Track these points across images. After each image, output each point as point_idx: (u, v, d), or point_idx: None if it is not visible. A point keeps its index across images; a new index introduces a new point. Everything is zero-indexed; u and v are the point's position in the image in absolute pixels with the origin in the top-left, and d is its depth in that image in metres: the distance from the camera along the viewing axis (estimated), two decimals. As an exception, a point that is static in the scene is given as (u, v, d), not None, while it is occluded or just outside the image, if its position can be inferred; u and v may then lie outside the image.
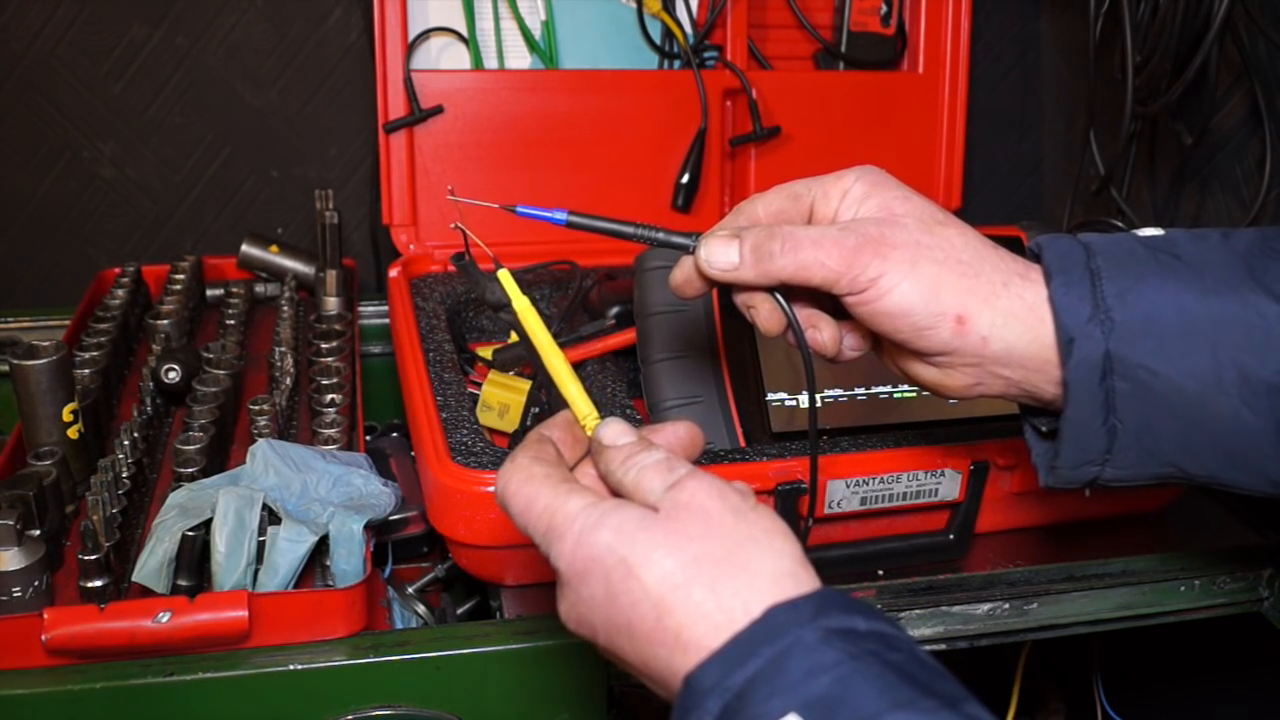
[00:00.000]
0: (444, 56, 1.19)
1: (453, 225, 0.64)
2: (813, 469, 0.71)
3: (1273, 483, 0.56)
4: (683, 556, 0.47)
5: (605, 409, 0.89)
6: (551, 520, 0.50)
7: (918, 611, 0.79)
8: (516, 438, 0.92)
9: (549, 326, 0.61)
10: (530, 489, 0.52)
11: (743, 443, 0.84)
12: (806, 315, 0.61)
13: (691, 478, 0.50)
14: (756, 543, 0.48)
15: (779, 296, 0.59)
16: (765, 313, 0.60)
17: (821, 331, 0.61)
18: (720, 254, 0.59)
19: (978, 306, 0.56)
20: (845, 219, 0.59)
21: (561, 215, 0.61)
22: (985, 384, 0.58)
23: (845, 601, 0.46)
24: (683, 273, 0.61)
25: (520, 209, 0.61)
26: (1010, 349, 0.56)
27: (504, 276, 0.59)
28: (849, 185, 0.60)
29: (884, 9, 1.26)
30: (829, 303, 0.61)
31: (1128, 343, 0.54)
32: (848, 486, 0.79)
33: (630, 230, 0.61)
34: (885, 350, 0.62)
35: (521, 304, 0.59)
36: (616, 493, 0.52)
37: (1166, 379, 0.54)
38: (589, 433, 0.55)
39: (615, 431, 0.54)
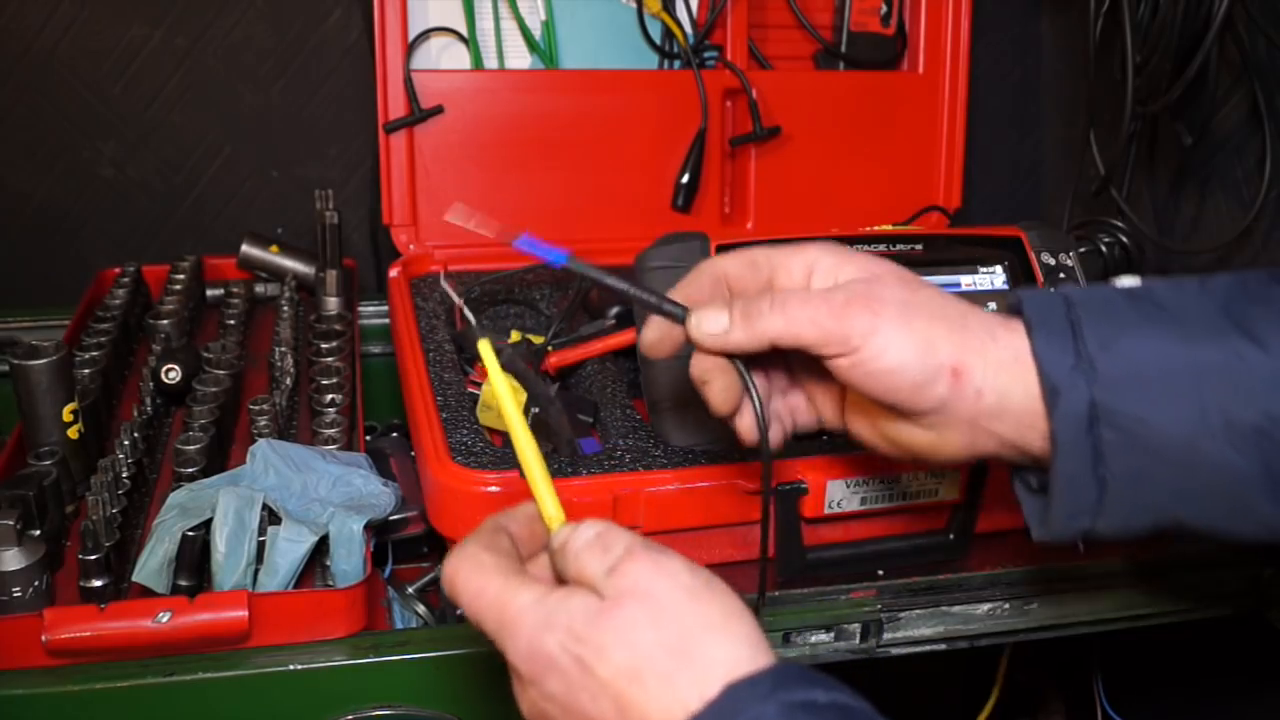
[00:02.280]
0: (444, 56, 1.19)
1: (447, 216, 0.63)
2: (764, 532, 0.66)
3: (1266, 527, 0.56)
4: (636, 649, 0.47)
5: (605, 409, 0.89)
6: (502, 615, 0.50)
7: (918, 611, 0.79)
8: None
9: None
10: (480, 579, 0.51)
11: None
12: (775, 385, 0.61)
13: (630, 559, 0.49)
14: (711, 629, 0.47)
15: (739, 364, 0.58)
16: (719, 388, 0.60)
17: (788, 398, 0.62)
18: (711, 320, 0.58)
19: (971, 358, 0.55)
20: (821, 288, 0.58)
21: (561, 257, 0.59)
22: (979, 443, 0.58)
23: (804, 675, 0.46)
24: (655, 332, 0.61)
25: (521, 241, 0.59)
26: (1003, 401, 0.56)
27: (484, 348, 0.57)
28: (813, 258, 0.59)
29: (884, 9, 1.26)
30: (787, 378, 0.61)
31: (1113, 392, 0.54)
32: (848, 486, 0.79)
33: (624, 288, 0.60)
34: (870, 420, 0.61)
35: (499, 385, 0.57)
36: (562, 578, 0.52)
37: (1153, 426, 0.54)
38: (551, 532, 0.54)
39: (572, 534, 0.53)
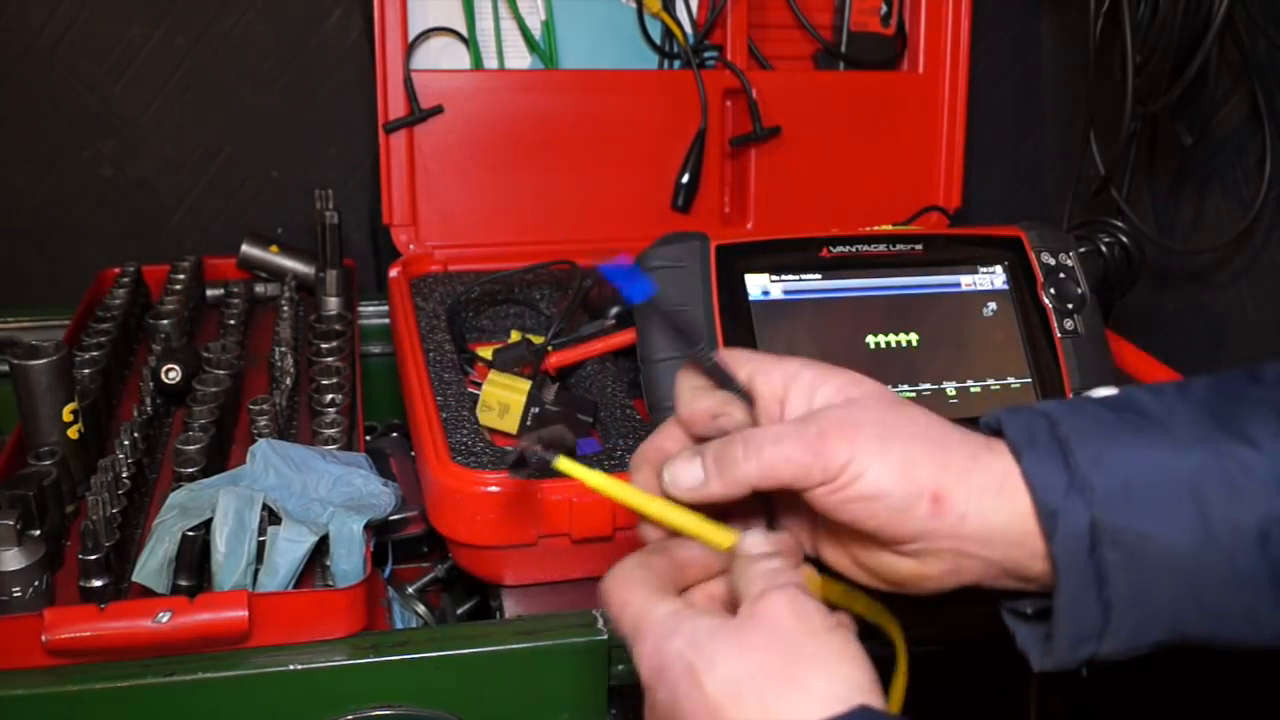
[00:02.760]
0: (444, 56, 1.19)
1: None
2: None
3: (1274, 635, 0.54)
4: (744, 667, 0.47)
5: (605, 409, 0.89)
6: (637, 624, 0.52)
7: (917, 611, 0.79)
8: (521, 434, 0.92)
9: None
10: (626, 592, 0.53)
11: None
12: (740, 513, 0.60)
13: (781, 591, 0.50)
14: (819, 662, 0.47)
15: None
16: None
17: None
18: (684, 474, 0.57)
19: (953, 482, 0.53)
20: (797, 410, 0.57)
21: (643, 294, 0.58)
22: (964, 569, 0.56)
23: (881, 718, 0.46)
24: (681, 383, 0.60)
25: (607, 269, 0.58)
26: (989, 525, 0.54)
27: (563, 465, 0.57)
28: (793, 371, 0.58)
29: (884, 9, 1.26)
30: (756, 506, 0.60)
31: (1112, 509, 0.52)
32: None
33: (707, 359, 0.59)
34: (846, 550, 0.60)
35: (596, 480, 0.57)
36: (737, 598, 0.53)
37: (1157, 541, 0.52)
38: (729, 548, 0.55)
39: (753, 541, 0.54)
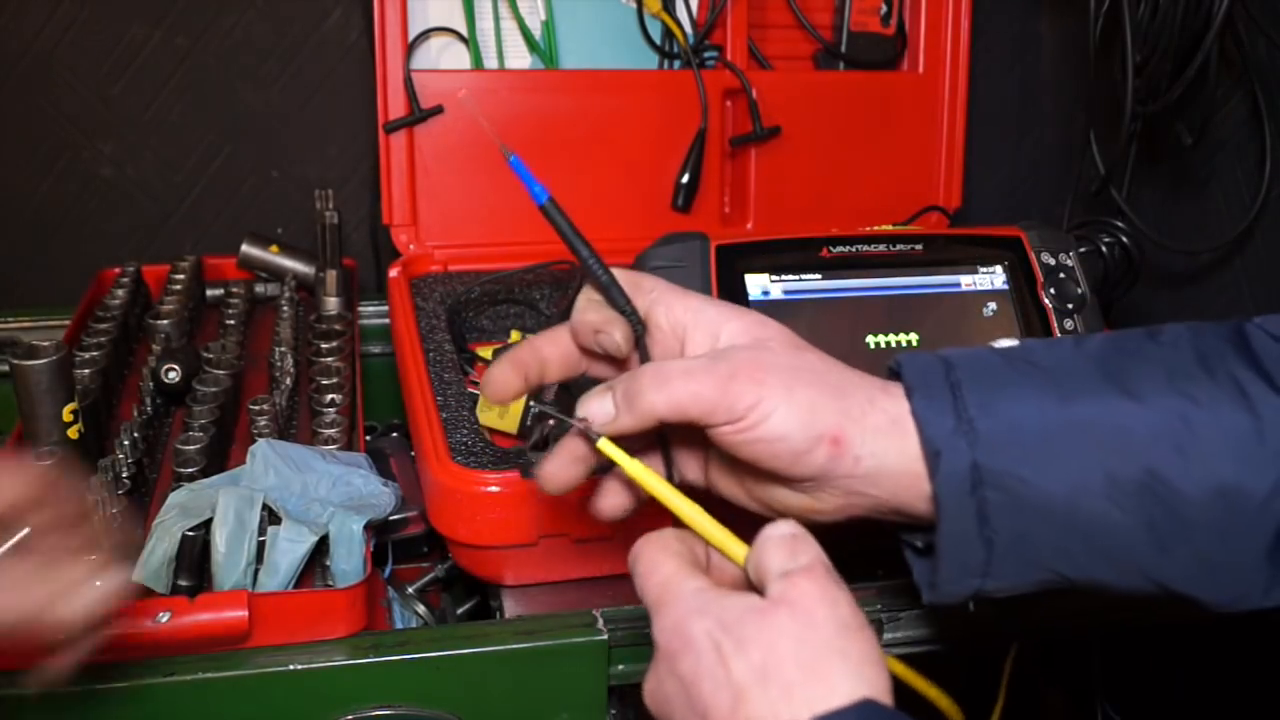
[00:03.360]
0: (444, 56, 1.19)
1: (461, 96, 0.63)
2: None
3: (1153, 581, 0.56)
4: (773, 654, 0.47)
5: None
6: (663, 592, 0.51)
7: (918, 611, 0.79)
8: (521, 434, 0.92)
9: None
10: (660, 558, 0.53)
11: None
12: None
13: (809, 576, 0.49)
14: (846, 659, 0.47)
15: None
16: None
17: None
18: (596, 408, 0.58)
19: (850, 427, 0.55)
20: (700, 346, 0.59)
21: (544, 196, 0.61)
22: (853, 505, 0.57)
23: (889, 714, 0.46)
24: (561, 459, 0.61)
25: (514, 160, 0.61)
26: (881, 466, 0.56)
27: (605, 446, 0.57)
28: (697, 305, 0.59)
29: (884, 9, 1.26)
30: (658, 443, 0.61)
31: (994, 452, 0.54)
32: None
33: (584, 252, 0.61)
34: (739, 482, 0.61)
35: (635, 469, 0.57)
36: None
37: (1036, 486, 0.54)
38: (743, 564, 0.54)
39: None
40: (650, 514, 0.60)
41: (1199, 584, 0.56)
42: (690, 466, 0.63)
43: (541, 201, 0.60)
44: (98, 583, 0.54)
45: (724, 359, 0.56)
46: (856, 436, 0.55)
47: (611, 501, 0.62)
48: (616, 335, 0.59)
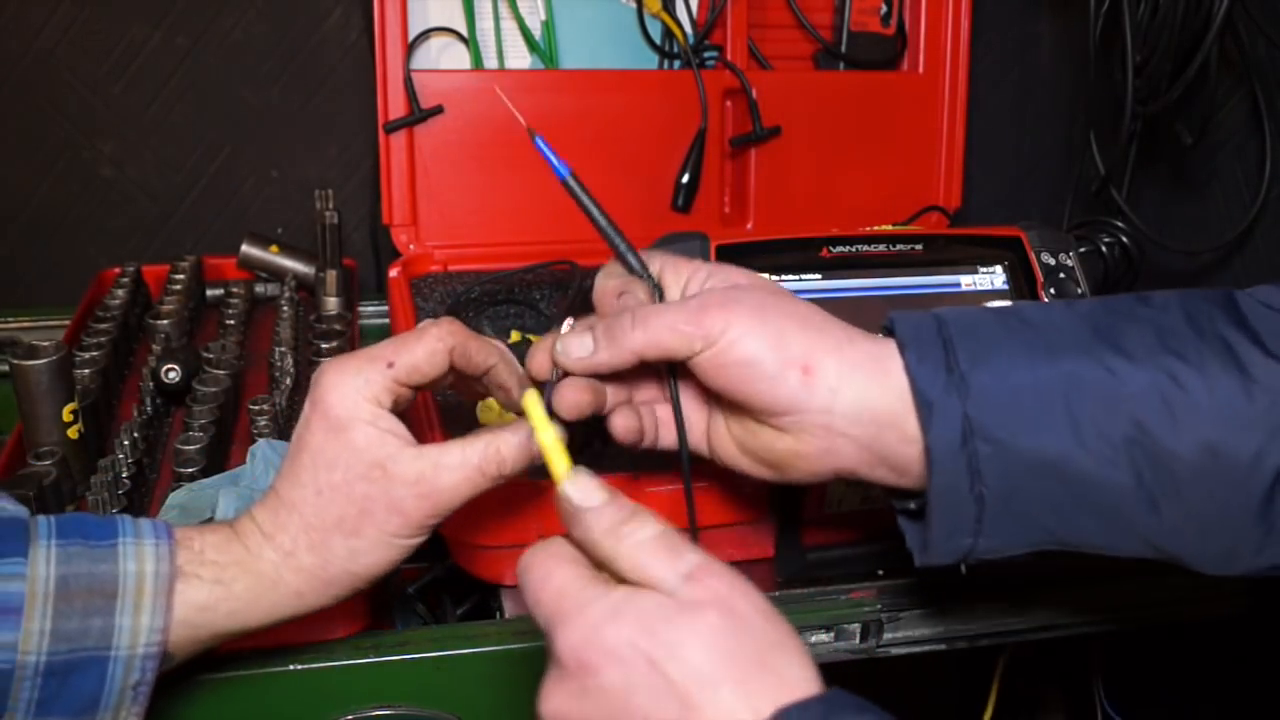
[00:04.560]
0: (444, 56, 1.19)
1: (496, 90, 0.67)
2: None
3: (1144, 541, 0.56)
4: (713, 652, 0.46)
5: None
6: (560, 603, 0.49)
7: (918, 611, 0.79)
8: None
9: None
10: (551, 565, 0.51)
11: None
12: (642, 397, 0.64)
13: (709, 573, 0.48)
14: (785, 649, 0.47)
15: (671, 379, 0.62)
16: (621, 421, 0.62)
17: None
18: (575, 345, 0.60)
19: (822, 356, 0.56)
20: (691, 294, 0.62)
21: (565, 170, 0.64)
22: (838, 449, 0.57)
23: (855, 703, 0.46)
24: (541, 356, 0.63)
25: (539, 139, 0.64)
26: (859, 402, 0.56)
27: (529, 401, 0.58)
28: (696, 265, 0.63)
29: (884, 9, 1.26)
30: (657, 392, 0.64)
31: (985, 407, 0.54)
32: (848, 485, 0.79)
33: (608, 231, 0.65)
34: (732, 436, 0.62)
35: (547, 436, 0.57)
36: (603, 566, 0.51)
37: (1027, 440, 0.54)
38: (558, 486, 0.53)
39: (586, 488, 0.52)
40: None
41: (1189, 544, 0.56)
42: (693, 436, 0.64)
43: (563, 176, 0.64)
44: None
45: (698, 297, 0.59)
46: (830, 367, 0.56)
47: (623, 423, 0.63)
48: (640, 294, 0.62)
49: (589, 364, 0.59)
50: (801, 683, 0.46)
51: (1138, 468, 0.54)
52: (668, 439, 0.65)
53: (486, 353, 0.63)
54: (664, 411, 0.65)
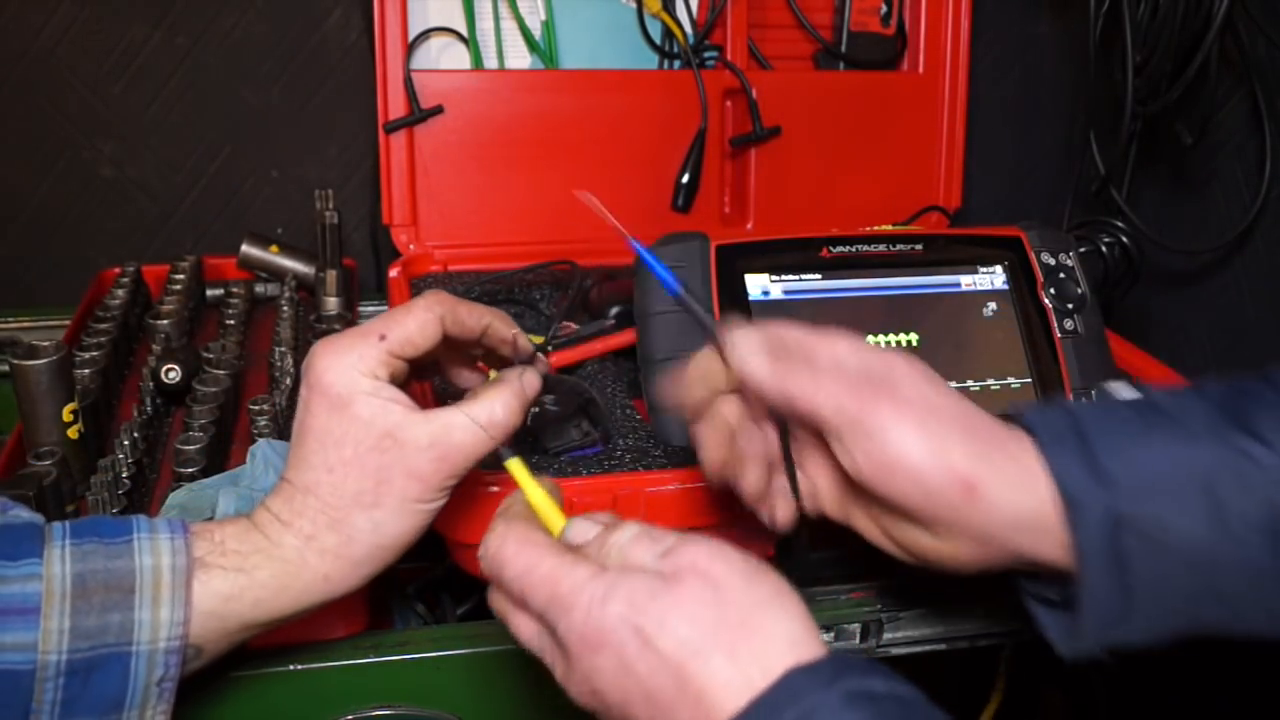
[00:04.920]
0: (444, 56, 1.19)
1: (581, 196, 0.69)
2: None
3: None
4: (697, 623, 0.47)
5: (605, 409, 0.89)
6: (555, 590, 0.50)
7: (917, 611, 0.79)
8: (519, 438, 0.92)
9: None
10: (531, 553, 0.52)
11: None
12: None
13: (683, 543, 0.50)
14: (769, 607, 0.48)
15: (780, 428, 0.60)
16: (753, 479, 0.61)
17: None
18: (749, 351, 0.58)
19: (985, 472, 0.55)
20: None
21: (675, 286, 0.61)
22: (993, 555, 0.57)
23: (861, 665, 0.46)
24: (699, 369, 0.61)
25: (640, 250, 0.63)
26: (1016, 515, 0.55)
27: (514, 466, 0.60)
28: (840, 346, 0.59)
29: (884, 9, 1.26)
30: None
31: (1132, 499, 0.54)
32: (848, 486, 0.79)
33: (706, 320, 0.62)
34: (876, 520, 0.61)
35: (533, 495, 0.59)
36: None
37: (1173, 530, 0.54)
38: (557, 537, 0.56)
39: (581, 530, 0.55)
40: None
41: None
42: (830, 497, 0.63)
43: (676, 293, 0.61)
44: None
45: (866, 375, 0.56)
46: (991, 482, 0.55)
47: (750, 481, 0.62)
48: (750, 482, 0.62)
49: (750, 378, 0.58)
50: (792, 639, 0.47)
51: (1278, 550, 0.54)
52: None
53: (478, 314, 0.64)
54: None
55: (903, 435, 0.54)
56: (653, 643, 0.47)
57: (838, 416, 0.55)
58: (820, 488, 0.63)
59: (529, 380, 0.63)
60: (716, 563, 0.49)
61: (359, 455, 0.59)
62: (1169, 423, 0.56)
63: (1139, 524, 0.54)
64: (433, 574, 0.94)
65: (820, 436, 0.58)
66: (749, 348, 0.58)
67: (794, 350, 0.59)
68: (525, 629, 0.53)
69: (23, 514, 0.60)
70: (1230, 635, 0.57)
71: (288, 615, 0.61)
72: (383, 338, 0.60)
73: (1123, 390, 0.61)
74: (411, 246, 1.14)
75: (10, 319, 1.17)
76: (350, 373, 0.59)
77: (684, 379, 0.62)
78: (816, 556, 0.81)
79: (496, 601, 0.55)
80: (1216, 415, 0.56)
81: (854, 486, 0.60)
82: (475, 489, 0.76)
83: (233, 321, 1.09)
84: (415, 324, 0.61)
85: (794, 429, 0.62)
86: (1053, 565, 0.57)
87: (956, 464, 0.54)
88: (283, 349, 0.98)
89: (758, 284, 0.87)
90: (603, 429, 0.83)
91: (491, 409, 0.61)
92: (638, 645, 0.47)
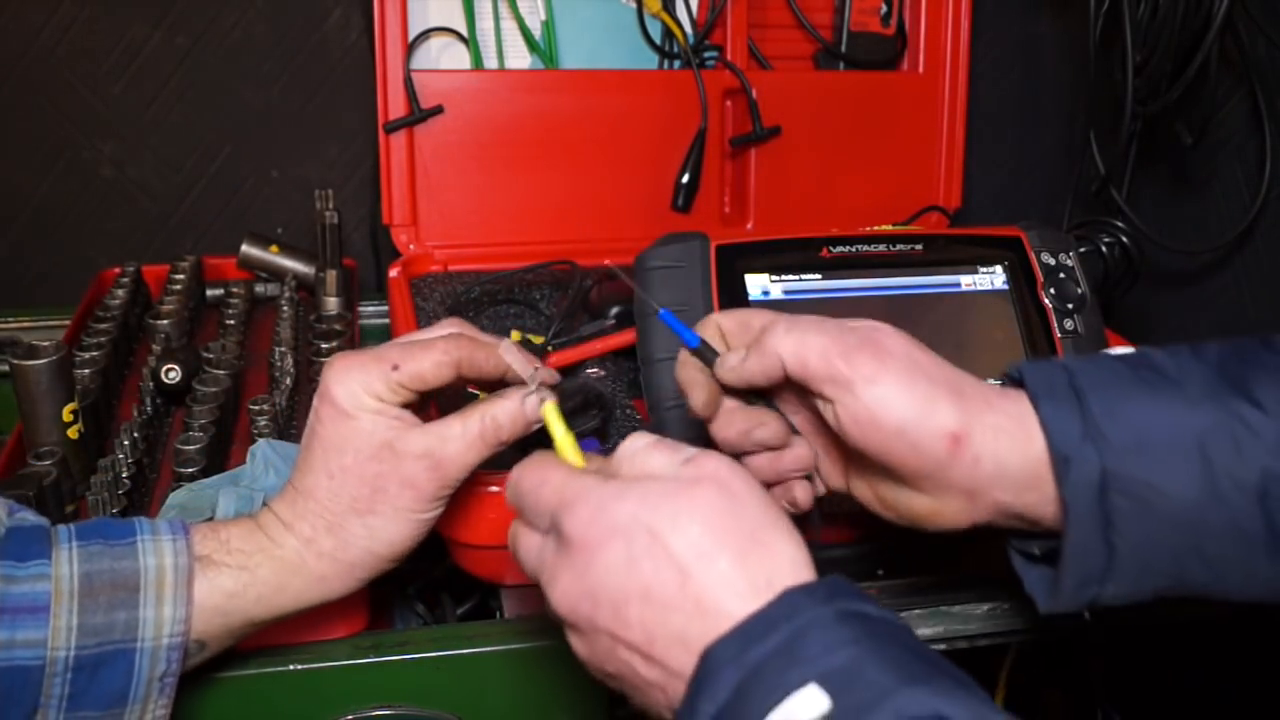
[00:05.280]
0: (444, 56, 1.19)
1: (611, 269, 0.70)
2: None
3: (1270, 588, 0.56)
4: (710, 526, 0.48)
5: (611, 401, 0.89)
6: (563, 495, 0.51)
7: (918, 611, 0.79)
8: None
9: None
10: (546, 471, 0.53)
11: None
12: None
13: (705, 455, 0.51)
14: (777, 527, 0.49)
15: (767, 402, 0.62)
16: (700, 394, 0.63)
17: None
18: (731, 355, 0.61)
19: (971, 425, 0.55)
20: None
21: (694, 340, 0.63)
22: (979, 510, 0.58)
23: (855, 591, 0.47)
24: (687, 373, 0.63)
25: (663, 314, 0.62)
26: (1003, 467, 0.56)
27: (548, 411, 0.62)
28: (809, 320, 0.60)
29: (884, 9, 1.26)
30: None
31: (1123, 459, 0.54)
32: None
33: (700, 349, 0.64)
34: (869, 483, 0.62)
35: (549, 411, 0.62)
36: None
37: (1162, 491, 0.54)
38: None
39: (597, 462, 0.56)
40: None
41: None
42: (832, 470, 0.65)
43: (694, 345, 0.63)
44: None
45: (854, 330, 0.57)
46: (976, 435, 0.55)
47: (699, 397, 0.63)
48: (772, 425, 0.63)
49: (738, 373, 0.60)
50: (794, 561, 0.48)
51: (1270, 517, 0.54)
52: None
53: (496, 359, 0.65)
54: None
55: (888, 390, 0.55)
56: (663, 539, 0.47)
57: (825, 370, 0.56)
58: (821, 461, 0.65)
59: (530, 404, 0.64)
60: (736, 477, 0.50)
61: (358, 463, 0.62)
62: (1166, 383, 0.56)
63: (1128, 484, 0.54)
64: (433, 574, 0.94)
65: (814, 410, 0.60)
66: (731, 358, 0.61)
67: (756, 328, 0.61)
68: (528, 542, 0.54)
69: (30, 517, 0.62)
70: (1211, 595, 0.57)
71: (287, 612, 0.64)
72: (396, 368, 0.62)
73: (1120, 350, 0.61)
74: (411, 246, 1.14)
75: (10, 319, 1.17)
76: (358, 391, 0.62)
77: (683, 384, 0.64)
78: (816, 556, 0.81)
79: (511, 529, 0.56)
80: (1214, 378, 0.56)
81: (849, 454, 0.61)
82: (475, 489, 0.76)
83: (233, 321, 1.09)
84: (430, 363, 0.63)
85: (788, 407, 0.64)
86: (1040, 520, 0.57)
87: (942, 417, 0.55)
88: (283, 349, 0.98)
89: (758, 284, 0.87)
90: (605, 414, 0.83)
91: (493, 422, 0.64)
92: (647, 541, 0.47)
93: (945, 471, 0.56)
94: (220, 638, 0.62)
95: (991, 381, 0.61)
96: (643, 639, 0.48)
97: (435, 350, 0.63)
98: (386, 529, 0.63)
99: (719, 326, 0.64)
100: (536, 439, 0.66)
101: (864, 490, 0.63)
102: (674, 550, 0.47)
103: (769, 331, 0.59)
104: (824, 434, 0.63)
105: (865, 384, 0.55)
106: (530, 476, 0.54)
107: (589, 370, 0.77)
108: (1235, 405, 0.55)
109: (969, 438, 0.55)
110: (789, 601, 0.46)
